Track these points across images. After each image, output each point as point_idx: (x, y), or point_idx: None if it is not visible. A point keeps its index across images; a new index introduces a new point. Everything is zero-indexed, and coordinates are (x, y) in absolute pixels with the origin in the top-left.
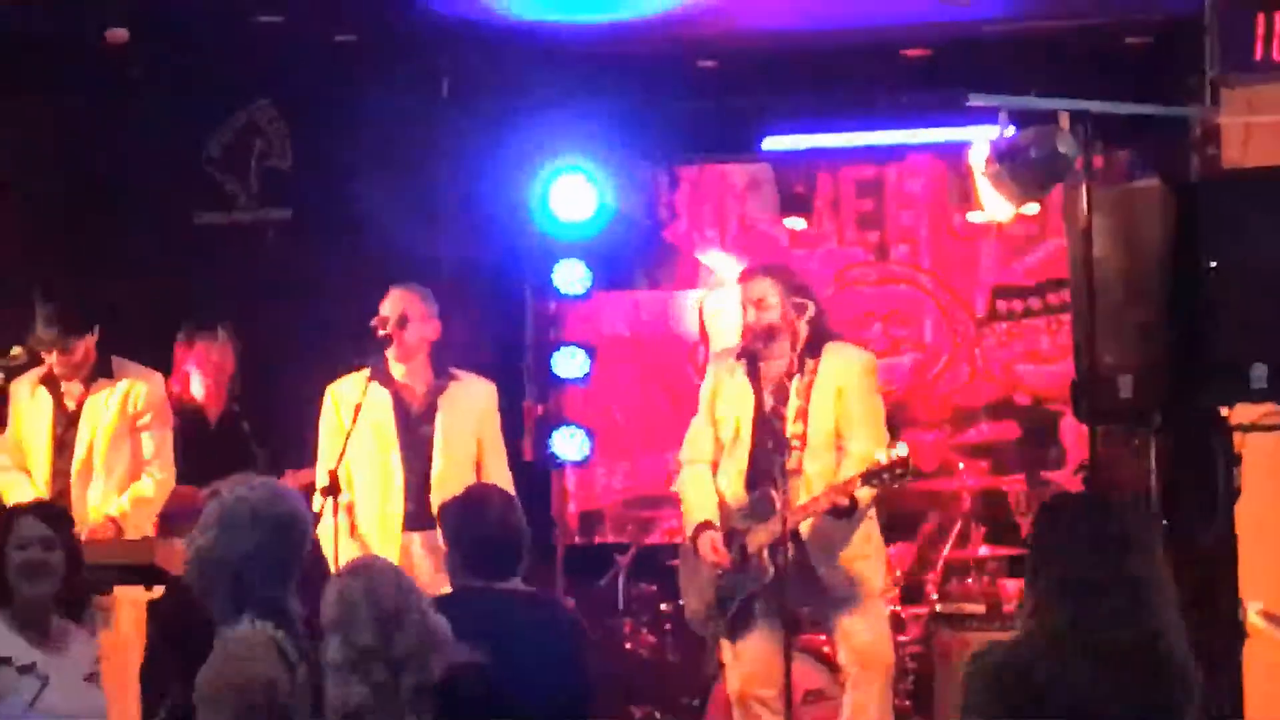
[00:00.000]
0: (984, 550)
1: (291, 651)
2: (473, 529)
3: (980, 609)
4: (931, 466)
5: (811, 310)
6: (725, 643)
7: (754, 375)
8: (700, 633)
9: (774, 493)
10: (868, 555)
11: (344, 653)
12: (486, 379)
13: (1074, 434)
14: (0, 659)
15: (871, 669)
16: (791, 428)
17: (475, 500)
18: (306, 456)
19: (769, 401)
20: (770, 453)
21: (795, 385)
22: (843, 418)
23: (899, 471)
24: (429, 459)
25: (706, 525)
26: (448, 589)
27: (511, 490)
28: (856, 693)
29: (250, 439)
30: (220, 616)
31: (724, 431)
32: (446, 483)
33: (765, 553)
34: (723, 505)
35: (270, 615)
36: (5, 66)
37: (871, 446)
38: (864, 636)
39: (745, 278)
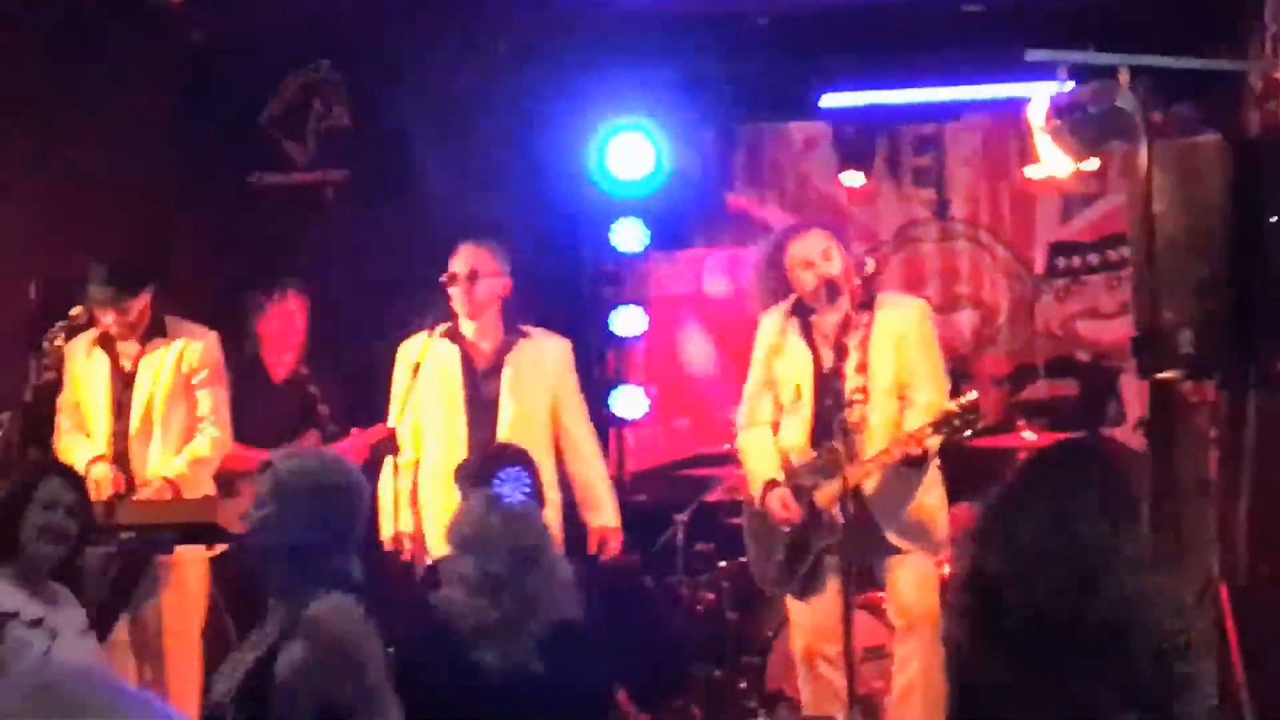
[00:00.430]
0: None
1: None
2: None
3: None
4: (991, 424)
5: (869, 264)
6: (791, 599)
7: (808, 332)
8: (769, 592)
9: (839, 447)
10: (930, 508)
11: (477, 574)
12: (560, 336)
13: (1133, 390)
14: (8, 613)
15: (917, 623)
16: (852, 381)
17: (489, 459)
18: (372, 415)
19: (828, 357)
20: (832, 409)
21: (853, 339)
22: (903, 368)
23: (970, 418)
24: (495, 416)
25: (774, 484)
26: None
27: (593, 445)
28: (903, 646)
29: (316, 400)
30: (282, 590)
31: (784, 392)
32: (514, 436)
33: (835, 508)
34: (787, 464)
35: (346, 588)
36: (64, 29)
37: (937, 394)
38: (910, 593)
39: (795, 233)
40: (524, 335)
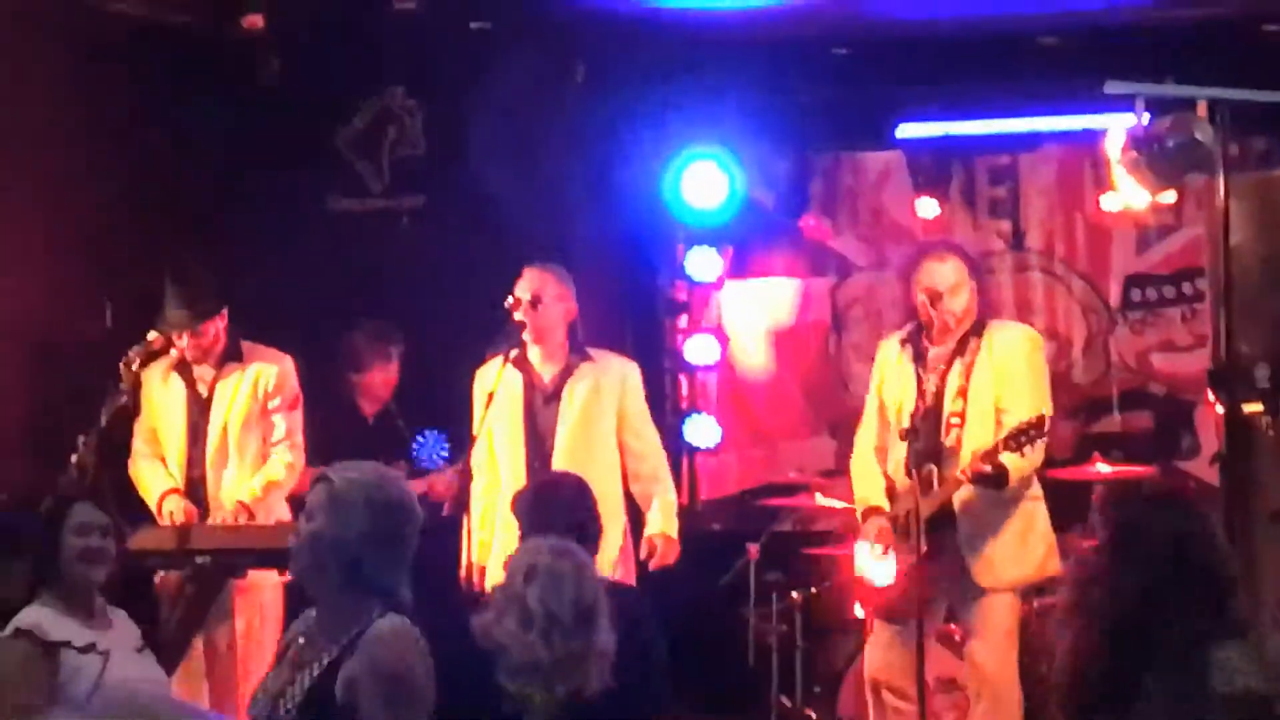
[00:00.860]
0: None
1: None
2: (540, 518)
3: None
4: (1065, 455)
5: (982, 290)
6: (876, 624)
7: (919, 358)
8: (874, 618)
9: (934, 470)
10: (1023, 540)
11: (540, 610)
12: (628, 358)
13: (1207, 424)
14: (59, 643)
15: (993, 697)
16: (950, 405)
17: (543, 489)
18: (459, 447)
19: (932, 382)
20: (932, 433)
21: (958, 365)
22: (1004, 394)
23: (1033, 433)
24: (551, 446)
25: (874, 510)
26: None
27: (662, 465)
28: (981, 710)
29: (405, 435)
30: (328, 599)
31: (890, 415)
32: (570, 465)
33: (921, 531)
34: (891, 488)
35: (400, 609)
36: (144, 55)
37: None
38: (989, 663)
39: (930, 259)
40: (587, 359)
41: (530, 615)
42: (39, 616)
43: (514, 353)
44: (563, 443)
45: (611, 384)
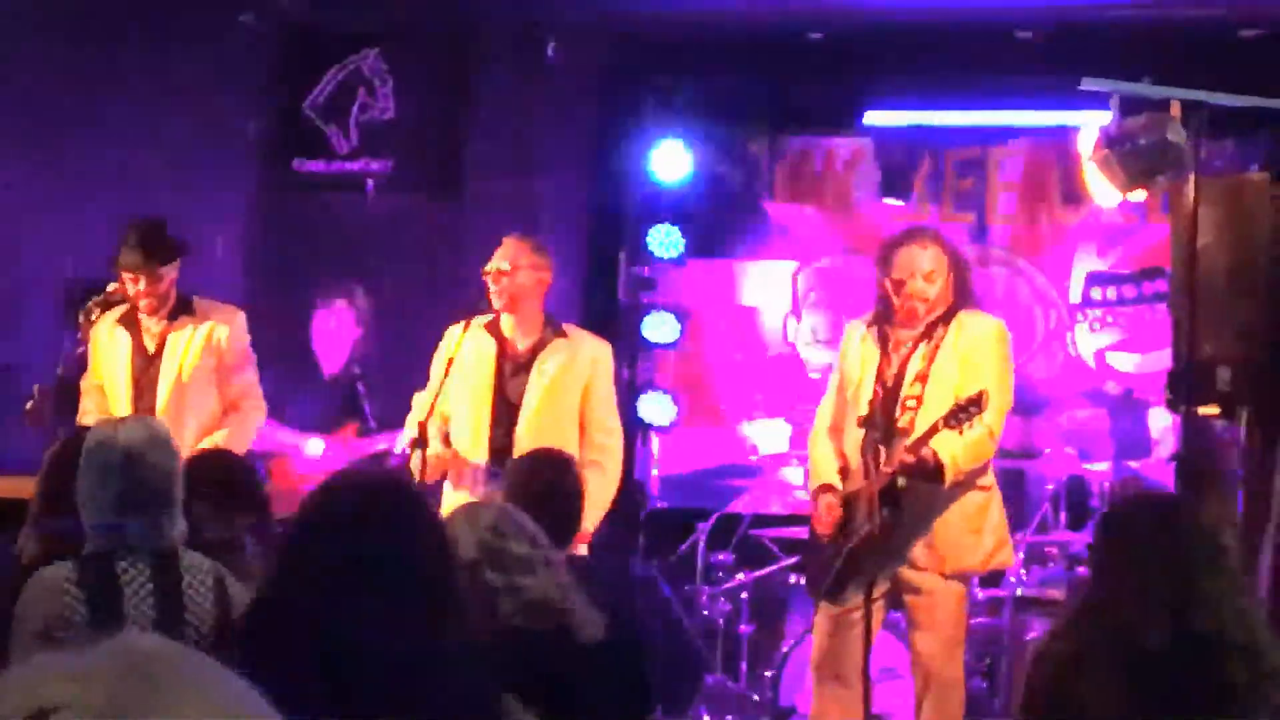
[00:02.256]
0: (1066, 535)
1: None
2: (521, 499)
3: (1060, 595)
4: (1015, 447)
5: (960, 281)
6: (822, 606)
7: (883, 340)
8: (811, 597)
9: (881, 451)
10: (972, 530)
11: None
12: (600, 338)
13: (1160, 425)
14: None
15: (939, 688)
16: (908, 389)
17: (526, 468)
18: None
19: (894, 365)
20: (886, 415)
21: (922, 349)
22: (964, 382)
23: (972, 409)
24: (517, 413)
25: (825, 488)
26: None
27: (618, 448)
28: (928, 703)
29: (363, 397)
30: None
31: (849, 395)
32: (534, 437)
33: (864, 514)
34: (845, 468)
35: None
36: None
37: (991, 411)
38: (935, 655)
39: (911, 242)
40: (562, 334)
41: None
42: None
43: (484, 319)
44: (528, 413)
45: (583, 362)
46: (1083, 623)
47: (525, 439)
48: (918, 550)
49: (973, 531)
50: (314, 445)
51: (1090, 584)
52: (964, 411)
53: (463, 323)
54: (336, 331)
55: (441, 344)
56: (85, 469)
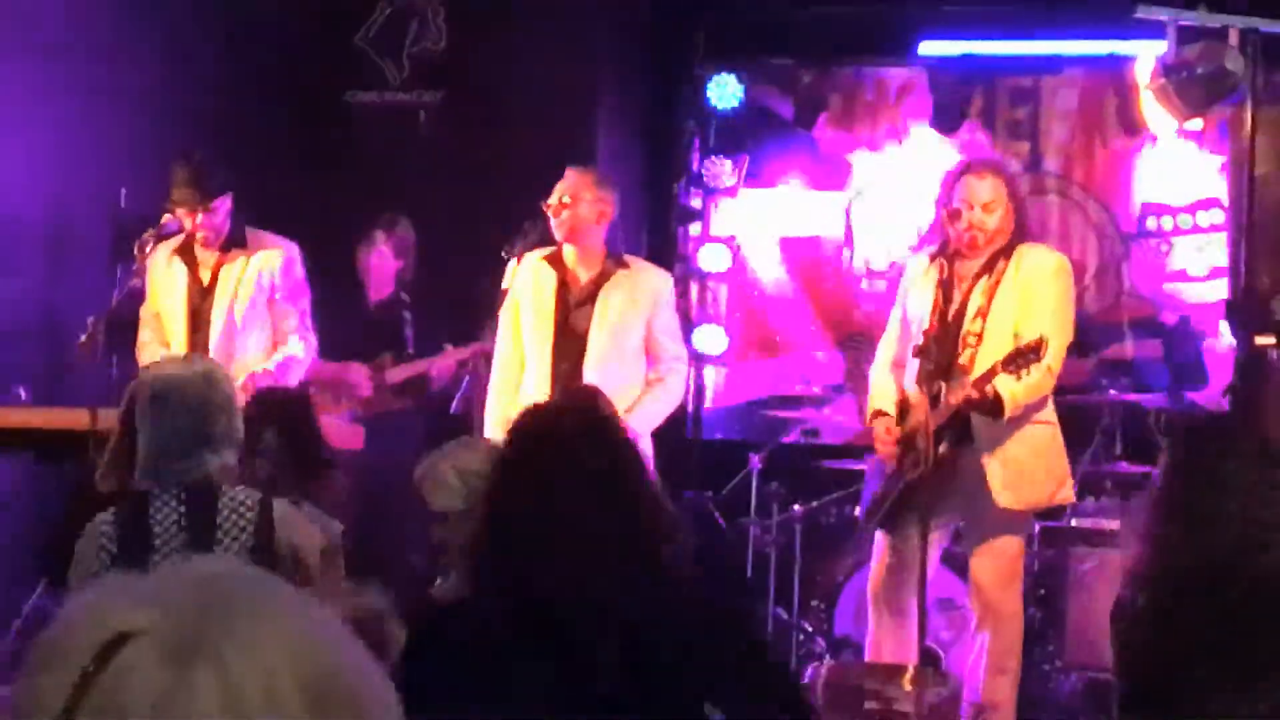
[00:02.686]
0: (1122, 467)
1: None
2: None
3: (1116, 526)
4: (1074, 381)
5: (1020, 213)
6: (879, 535)
7: (945, 274)
8: (863, 526)
9: (943, 386)
10: (1035, 464)
11: None
12: (661, 269)
13: (1217, 355)
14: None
15: (996, 620)
16: (969, 324)
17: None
18: (465, 338)
19: (955, 299)
20: (948, 351)
21: (982, 284)
22: (1023, 317)
23: (1031, 356)
24: (583, 350)
25: (879, 414)
26: None
27: (682, 377)
28: (982, 635)
29: (406, 324)
30: None
31: (913, 329)
32: (601, 369)
33: (928, 445)
34: (904, 401)
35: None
36: None
37: (1052, 345)
38: (994, 587)
39: (970, 174)
40: (624, 266)
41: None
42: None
43: (546, 250)
44: (594, 347)
45: (646, 294)
46: (1161, 565)
47: (592, 371)
48: (978, 484)
49: (1035, 467)
50: (356, 375)
51: (1161, 520)
52: (1022, 358)
53: (519, 254)
54: (381, 264)
55: (508, 272)
56: (135, 411)
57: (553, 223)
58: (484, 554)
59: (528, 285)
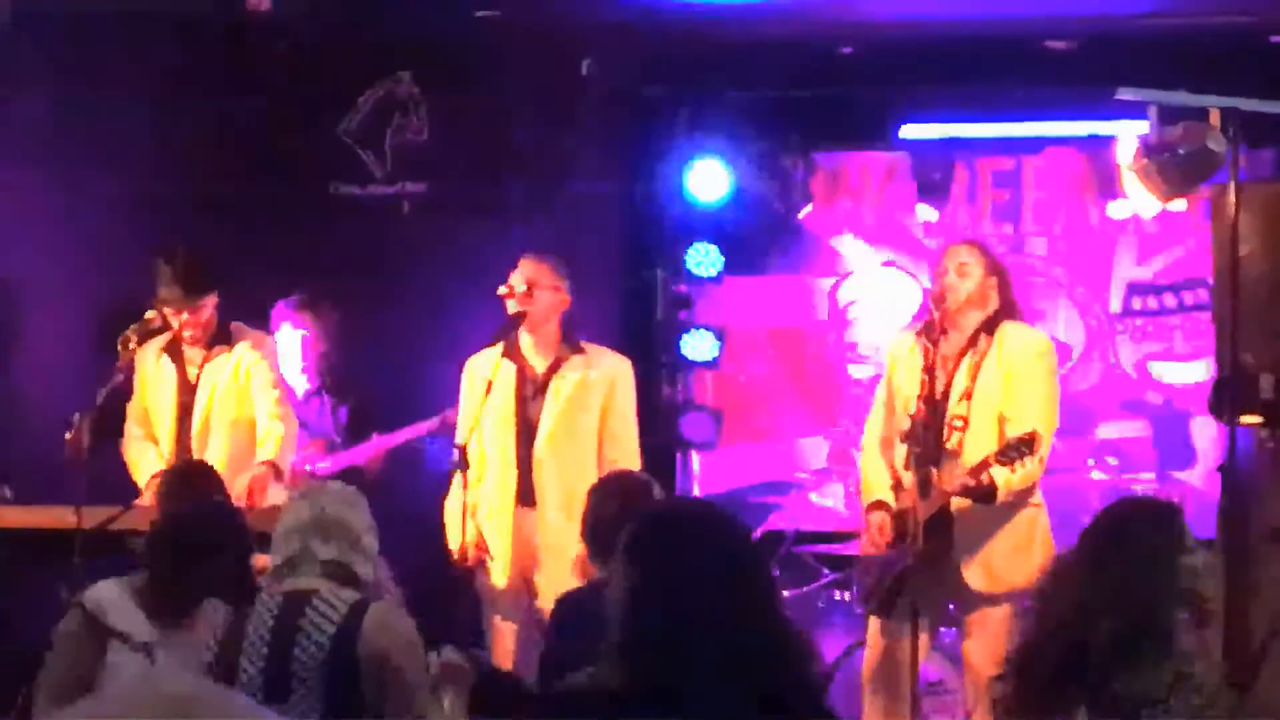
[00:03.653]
0: None
1: None
2: (594, 517)
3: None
4: (1060, 463)
5: (1003, 289)
6: (873, 621)
7: (929, 355)
8: (862, 608)
9: (933, 472)
10: (1023, 548)
11: None
12: (621, 355)
13: (1204, 435)
14: (119, 633)
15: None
16: (954, 408)
17: (600, 488)
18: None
19: (940, 379)
20: (934, 434)
21: (966, 363)
22: (1008, 400)
23: (1024, 449)
24: (534, 438)
25: (878, 505)
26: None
27: (635, 467)
28: (978, 716)
29: (329, 411)
30: None
31: (899, 407)
32: (555, 457)
33: (919, 532)
34: (898, 483)
35: None
36: (153, 33)
37: (1040, 430)
38: (986, 667)
39: (950, 245)
40: (579, 351)
41: None
42: (109, 595)
43: (502, 344)
44: (545, 432)
45: (601, 378)
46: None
47: (545, 458)
48: (969, 569)
49: (1022, 550)
50: None
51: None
52: (1015, 451)
53: (500, 345)
54: (312, 344)
55: (473, 365)
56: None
57: (512, 309)
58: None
59: (479, 378)
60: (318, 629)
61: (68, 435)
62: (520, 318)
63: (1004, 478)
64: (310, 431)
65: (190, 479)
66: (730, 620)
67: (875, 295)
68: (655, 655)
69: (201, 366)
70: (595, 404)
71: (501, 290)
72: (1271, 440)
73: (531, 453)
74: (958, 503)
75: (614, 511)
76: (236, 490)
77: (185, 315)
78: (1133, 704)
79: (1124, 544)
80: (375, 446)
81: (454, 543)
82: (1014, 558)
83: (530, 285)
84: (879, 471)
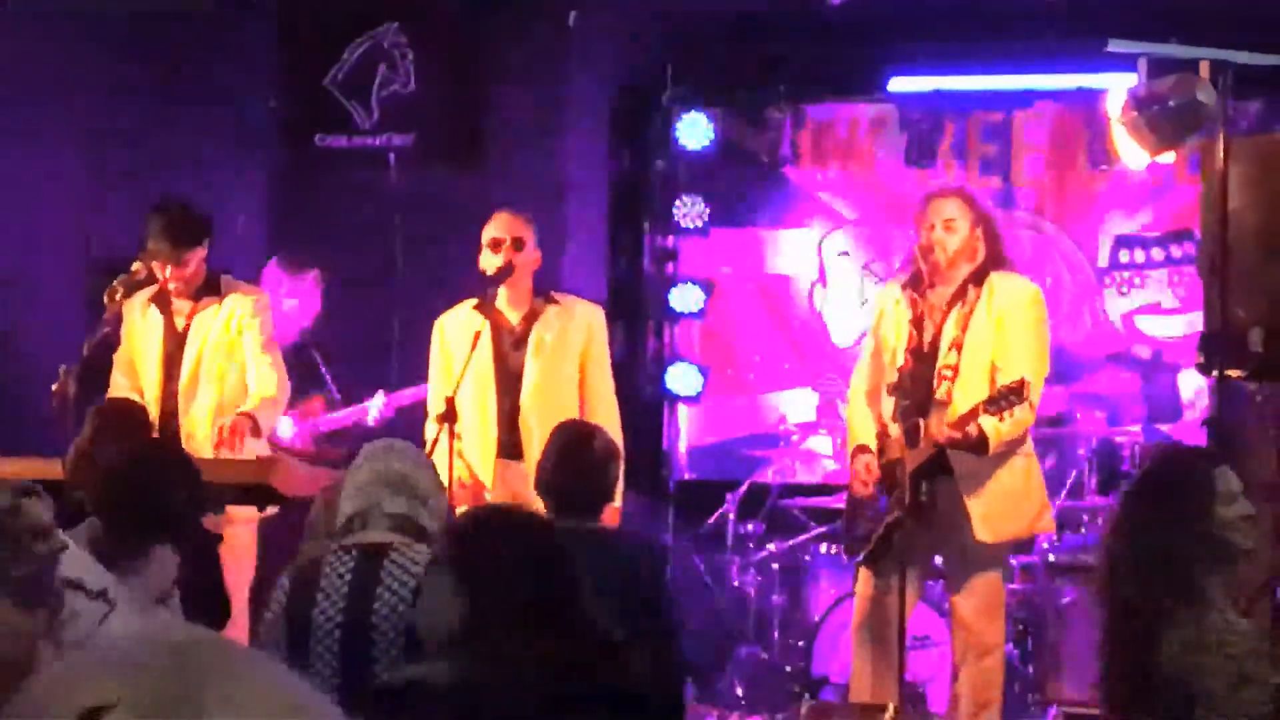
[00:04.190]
0: (1097, 501)
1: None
2: (551, 468)
3: (1092, 560)
4: (1049, 410)
5: (990, 239)
6: (862, 573)
7: (916, 304)
8: (849, 559)
9: (921, 422)
10: (1018, 496)
11: None
12: (592, 303)
13: (1191, 387)
14: (73, 582)
15: (979, 655)
16: (944, 358)
17: (558, 439)
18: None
19: (929, 330)
20: (923, 384)
21: (955, 314)
22: (999, 349)
23: (1013, 398)
24: (519, 388)
25: (862, 449)
26: None
27: (613, 415)
28: (966, 669)
29: (320, 364)
30: None
31: (886, 359)
32: (539, 409)
33: (907, 483)
34: (884, 433)
35: None
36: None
37: (1030, 378)
38: (976, 622)
39: (934, 197)
40: (553, 302)
41: None
42: None
43: (470, 302)
44: (530, 384)
45: (577, 327)
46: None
47: (530, 409)
48: (958, 520)
49: (1015, 498)
50: (284, 426)
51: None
52: (1005, 400)
53: (475, 300)
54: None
55: (445, 321)
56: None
57: (492, 262)
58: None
59: (457, 335)
60: (398, 581)
61: (54, 387)
62: (509, 270)
63: (993, 426)
64: (307, 388)
65: (131, 416)
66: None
67: (861, 249)
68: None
69: (190, 317)
70: (575, 354)
71: (489, 239)
72: (1259, 394)
73: (517, 405)
74: (954, 453)
75: (551, 463)
76: (213, 433)
77: (169, 269)
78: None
79: (1160, 505)
80: (387, 406)
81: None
82: (1012, 506)
83: (518, 239)
84: (864, 419)
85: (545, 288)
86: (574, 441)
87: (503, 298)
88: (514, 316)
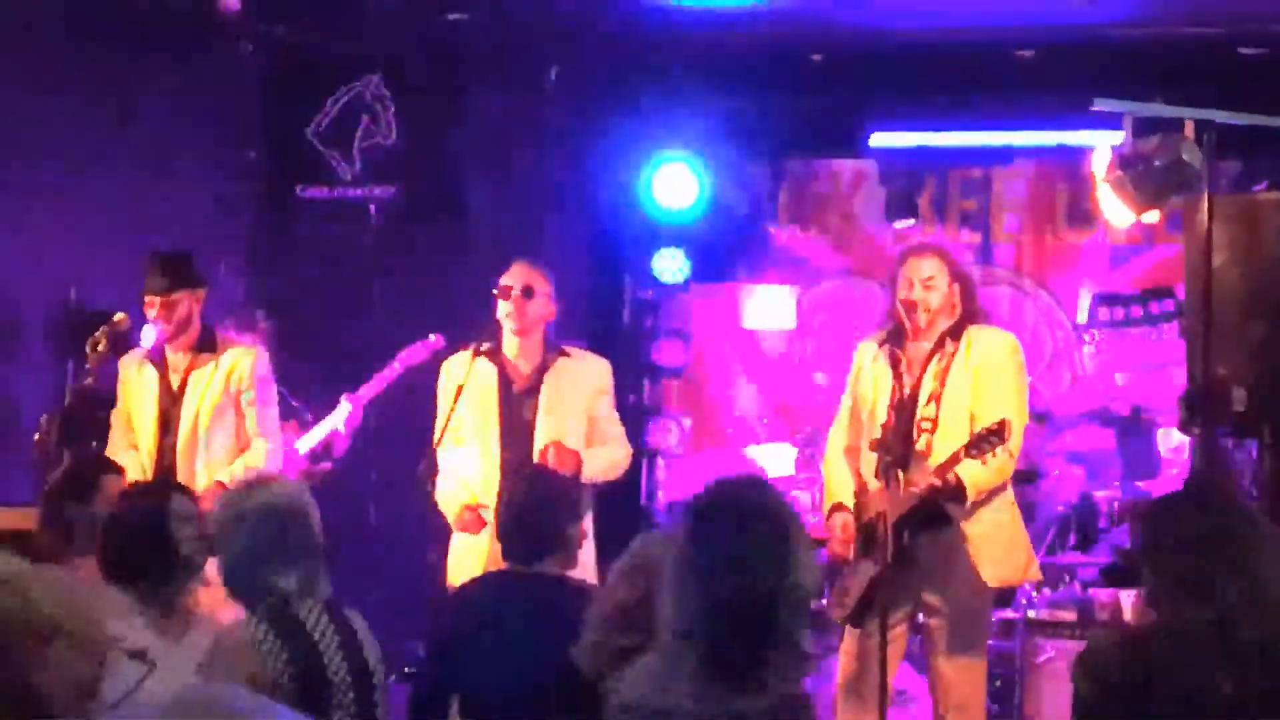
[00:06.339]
0: (1075, 558)
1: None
2: (504, 512)
3: (1071, 616)
4: (1023, 469)
5: (966, 295)
6: (847, 631)
7: (895, 358)
8: (831, 618)
9: (901, 474)
10: (1005, 545)
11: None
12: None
13: (1169, 445)
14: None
15: (961, 709)
16: (923, 410)
17: (513, 484)
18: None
19: (907, 384)
20: (901, 437)
21: (933, 367)
22: (978, 399)
23: (994, 439)
24: (530, 439)
25: (838, 507)
26: None
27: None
28: None
29: (288, 397)
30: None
31: (864, 416)
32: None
33: (889, 538)
34: (862, 489)
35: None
36: (123, 35)
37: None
38: (957, 676)
39: (911, 255)
40: (564, 354)
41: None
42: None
43: (485, 345)
44: (543, 435)
45: (587, 381)
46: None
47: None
48: (948, 569)
49: (1006, 546)
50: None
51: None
52: (986, 441)
53: (471, 349)
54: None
55: (449, 367)
56: (247, 526)
57: (505, 311)
58: None
59: (454, 383)
60: (366, 631)
61: (35, 436)
62: (514, 317)
63: (971, 475)
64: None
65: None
66: None
67: (841, 304)
68: None
69: (186, 375)
70: (584, 406)
71: (497, 290)
72: (1239, 451)
73: (528, 456)
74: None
75: (499, 514)
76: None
77: (156, 309)
78: None
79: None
80: (353, 413)
81: (450, 515)
82: (1001, 555)
83: (527, 288)
84: (842, 477)
85: (556, 341)
86: (513, 490)
87: (514, 346)
88: (524, 366)
